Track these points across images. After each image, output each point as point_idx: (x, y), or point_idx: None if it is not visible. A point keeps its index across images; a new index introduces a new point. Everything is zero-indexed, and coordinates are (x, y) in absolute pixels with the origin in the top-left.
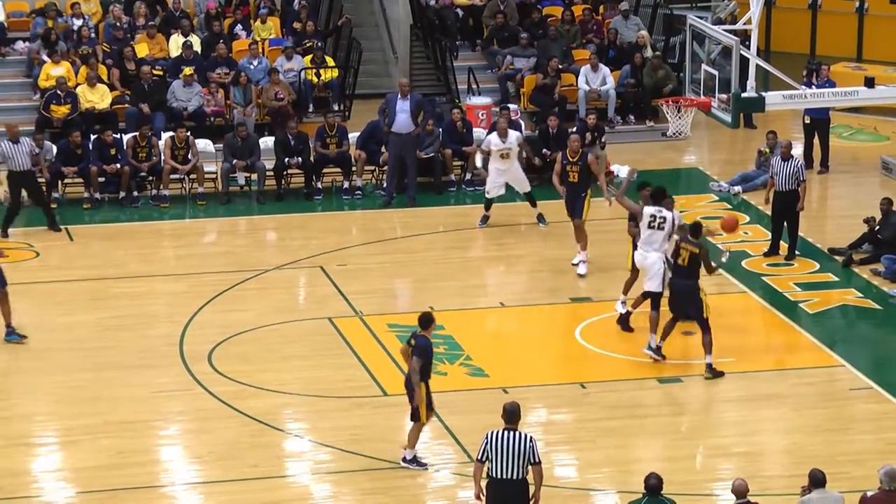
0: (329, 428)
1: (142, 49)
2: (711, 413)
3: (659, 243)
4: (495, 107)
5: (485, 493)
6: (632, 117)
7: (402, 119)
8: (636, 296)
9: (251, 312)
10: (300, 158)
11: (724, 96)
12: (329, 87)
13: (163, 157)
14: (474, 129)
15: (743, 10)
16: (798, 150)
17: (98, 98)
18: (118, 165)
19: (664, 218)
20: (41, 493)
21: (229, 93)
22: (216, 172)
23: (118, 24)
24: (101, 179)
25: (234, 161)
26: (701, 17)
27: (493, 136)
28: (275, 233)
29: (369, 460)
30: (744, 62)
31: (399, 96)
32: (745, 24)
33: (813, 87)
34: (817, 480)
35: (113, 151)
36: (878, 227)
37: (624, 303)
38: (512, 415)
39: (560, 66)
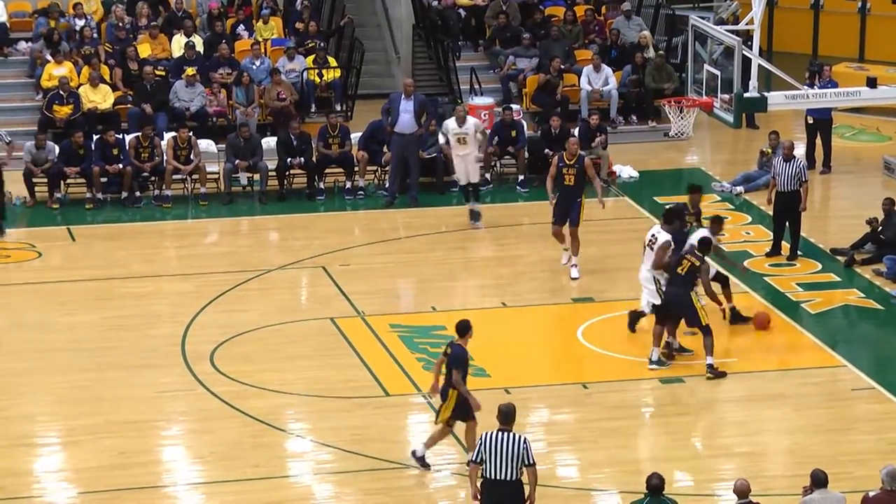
0: (331, 428)
1: (144, 49)
2: (713, 413)
3: (649, 261)
4: (497, 107)
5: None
6: (634, 117)
7: (406, 119)
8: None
9: (253, 312)
10: (302, 159)
11: (726, 96)
12: (331, 87)
13: (165, 158)
14: None
15: (745, 10)
16: (800, 151)
17: (100, 98)
18: (120, 166)
19: (655, 238)
20: (43, 494)
21: (232, 93)
22: (218, 173)
23: (120, 24)
24: (104, 180)
25: (237, 161)
26: (703, 18)
27: (451, 121)
28: (277, 233)
29: (371, 460)
30: (746, 62)
31: (403, 96)
32: (747, 24)
33: (815, 88)
34: (819, 480)
35: (115, 152)
36: (880, 228)
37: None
38: (507, 416)
39: (562, 67)
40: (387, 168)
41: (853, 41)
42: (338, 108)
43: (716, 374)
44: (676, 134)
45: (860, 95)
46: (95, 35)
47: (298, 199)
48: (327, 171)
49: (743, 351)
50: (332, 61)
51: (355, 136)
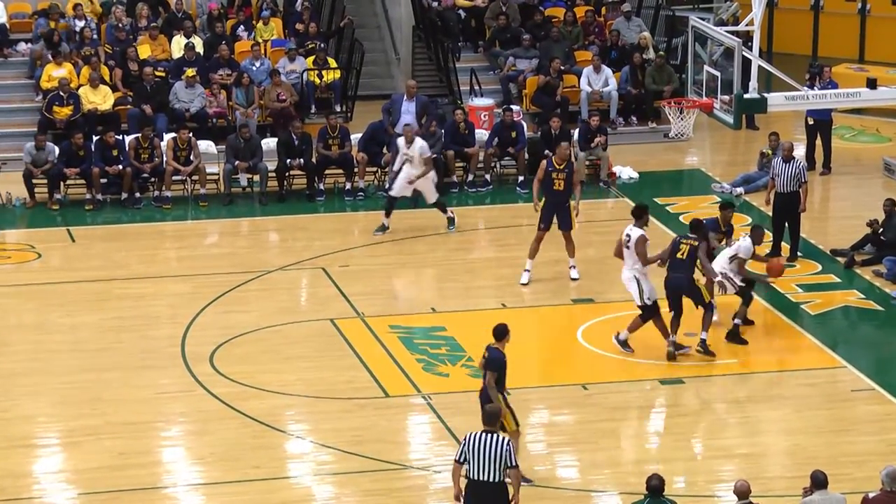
0: (331, 429)
1: (144, 50)
2: (713, 414)
3: (629, 262)
4: (497, 108)
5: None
6: (634, 119)
7: (407, 120)
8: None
9: (253, 314)
10: (302, 160)
11: (726, 97)
12: (331, 88)
13: (165, 159)
14: (476, 131)
15: (745, 11)
16: (800, 152)
17: (100, 99)
18: (120, 167)
19: (629, 237)
20: (43, 495)
21: (231, 94)
22: (218, 174)
23: (120, 25)
24: (104, 181)
25: (237, 162)
26: (703, 19)
27: (401, 140)
28: (277, 234)
29: (371, 461)
30: (746, 63)
31: (405, 97)
32: (747, 25)
33: (815, 89)
34: (819, 482)
35: (115, 153)
36: (881, 230)
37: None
38: (491, 417)
39: (562, 68)
40: (387, 169)
41: (853, 42)
42: (337, 109)
43: (706, 351)
44: (676, 135)
45: (860, 96)
46: (95, 36)
47: (298, 200)
48: (327, 172)
49: (743, 352)
50: (332, 62)
51: (355, 137)
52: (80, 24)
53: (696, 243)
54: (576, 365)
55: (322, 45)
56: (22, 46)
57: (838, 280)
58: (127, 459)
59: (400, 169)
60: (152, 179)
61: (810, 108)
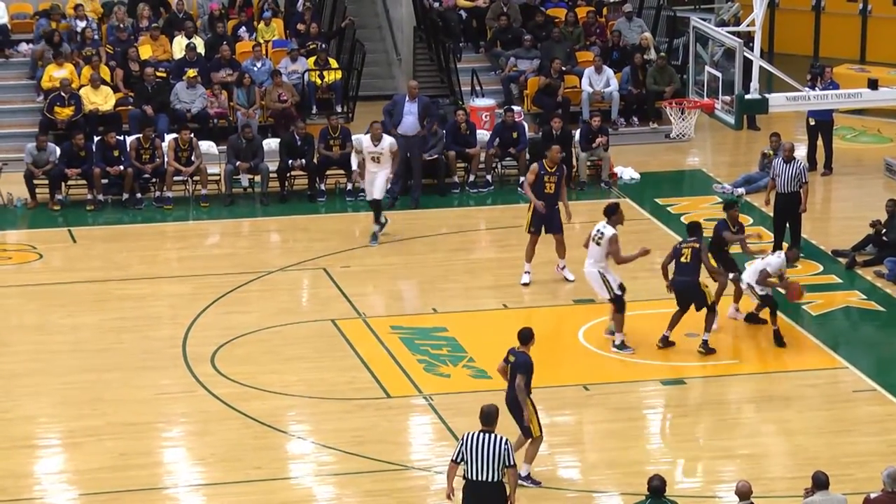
0: (332, 430)
1: (145, 51)
2: (714, 415)
3: (595, 257)
4: (499, 108)
5: (458, 495)
6: (635, 119)
7: (410, 121)
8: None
9: (254, 314)
10: (303, 160)
11: (727, 98)
12: (332, 88)
13: (166, 159)
14: (478, 131)
15: (746, 11)
16: (801, 152)
17: (101, 100)
18: (121, 167)
19: (602, 234)
20: (44, 496)
21: (233, 94)
22: (219, 174)
23: (121, 25)
24: (105, 181)
25: (238, 163)
26: (704, 19)
27: (366, 139)
28: (278, 234)
29: (372, 462)
30: (747, 64)
31: (407, 98)
32: (748, 25)
33: (817, 90)
34: (820, 482)
35: (116, 153)
36: (884, 230)
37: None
38: (488, 416)
39: (563, 68)
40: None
41: (854, 43)
42: (339, 109)
43: (707, 350)
44: (678, 135)
45: (861, 97)
46: (96, 36)
47: (299, 200)
48: (328, 172)
49: (744, 353)
50: (334, 63)
51: (356, 137)
52: (81, 24)
53: (697, 245)
54: (577, 365)
55: (323, 46)
56: (23, 47)
57: (839, 281)
58: (128, 460)
59: (362, 169)
60: (153, 180)
61: (811, 109)
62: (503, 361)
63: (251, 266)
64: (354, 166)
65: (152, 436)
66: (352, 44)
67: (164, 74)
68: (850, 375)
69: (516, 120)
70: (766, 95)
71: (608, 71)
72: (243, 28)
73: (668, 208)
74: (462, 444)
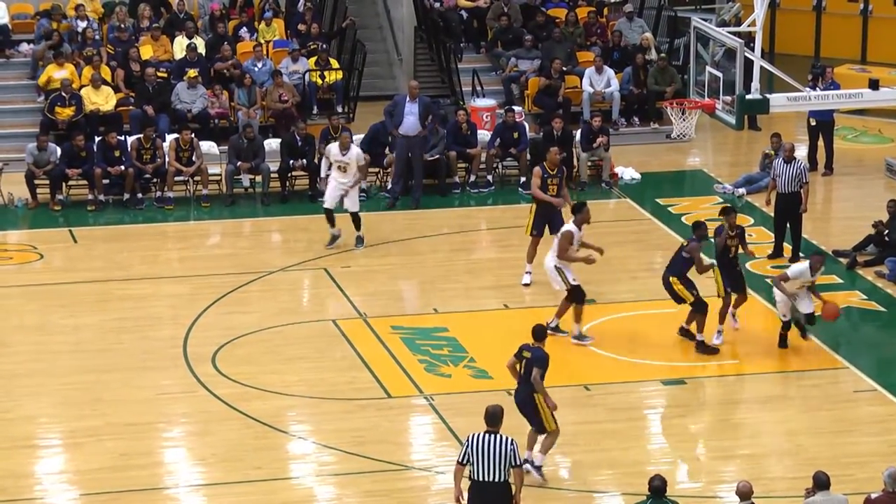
0: (333, 430)
1: (146, 51)
2: (715, 415)
3: (554, 251)
4: (499, 108)
5: (466, 497)
6: (636, 119)
7: (411, 121)
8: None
9: (255, 314)
10: (304, 160)
11: (728, 98)
12: (333, 89)
13: (167, 159)
14: (479, 132)
15: (747, 12)
16: (802, 153)
17: (102, 100)
18: (122, 167)
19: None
20: (44, 496)
21: (234, 95)
22: (220, 174)
23: (122, 25)
24: (106, 181)
25: (239, 163)
26: (705, 20)
27: (335, 146)
28: (279, 234)
29: (373, 462)
30: (748, 64)
31: (408, 98)
32: (749, 26)
33: (817, 90)
34: (821, 482)
35: (117, 153)
36: (886, 231)
37: (720, 333)
38: (493, 417)
39: (564, 68)
40: (388, 170)
41: (855, 43)
42: (339, 109)
43: (706, 350)
44: (678, 136)
45: (862, 97)
46: (97, 37)
47: (300, 200)
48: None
49: (745, 353)
50: (335, 63)
51: (357, 137)
52: (82, 24)
53: (686, 244)
54: (577, 365)
55: (324, 46)
56: (24, 47)
57: (840, 281)
58: (128, 460)
59: (327, 176)
60: (154, 180)
61: (812, 109)
62: (514, 357)
63: (252, 266)
64: (323, 173)
65: (153, 436)
66: (353, 44)
67: (165, 75)
68: (850, 375)
69: (517, 120)
70: (767, 96)
71: (609, 71)
72: (244, 28)
73: (669, 208)
74: (468, 446)
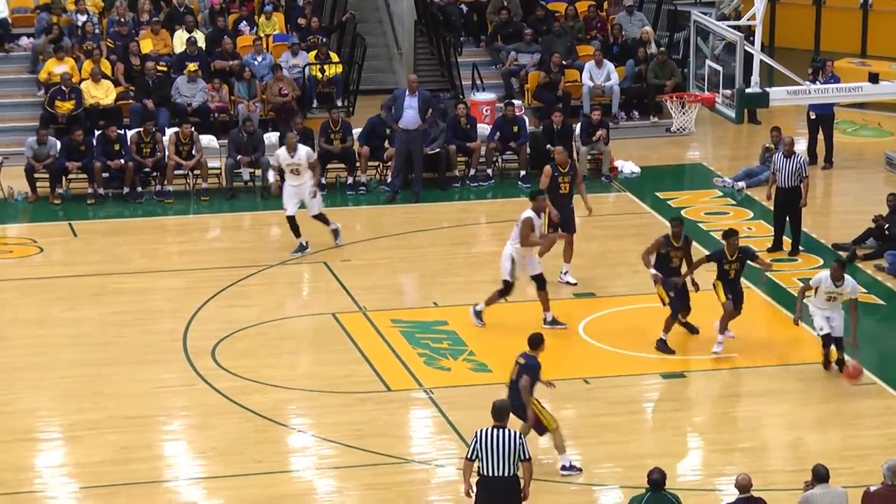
0: (332, 423)
1: (146, 45)
2: (714, 408)
3: (512, 238)
4: (499, 102)
5: (476, 491)
6: (636, 113)
7: (410, 115)
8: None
9: (255, 308)
10: None
11: (728, 92)
12: (333, 82)
13: (167, 153)
14: (478, 125)
15: (747, 5)
16: (802, 146)
17: (102, 94)
18: (122, 161)
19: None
20: (44, 489)
21: (234, 88)
22: (220, 168)
23: (122, 19)
24: (105, 175)
25: (239, 157)
26: (705, 13)
27: (282, 150)
28: (279, 228)
29: (373, 455)
30: (748, 58)
31: (407, 92)
32: (749, 19)
33: (817, 83)
34: (820, 476)
35: (117, 147)
36: (887, 225)
37: (720, 343)
38: (500, 412)
39: (564, 62)
40: (388, 164)
41: (855, 36)
42: (339, 103)
43: (663, 349)
44: (678, 129)
45: (862, 91)
46: (97, 31)
47: None
48: (329, 166)
49: (744, 346)
50: (334, 57)
51: (357, 131)
52: (81, 18)
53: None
54: (577, 359)
55: (324, 40)
56: (24, 41)
57: None
58: (129, 453)
59: (277, 181)
60: (154, 174)
61: (812, 103)
62: (516, 364)
63: (252, 260)
64: (270, 178)
65: (153, 429)
66: (352, 38)
67: (165, 68)
68: None
69: (517, 114)
70: (767, 89)
71: (609, 65)
72: (244, 22)
73: (669, 202)
74: (476, 441)
